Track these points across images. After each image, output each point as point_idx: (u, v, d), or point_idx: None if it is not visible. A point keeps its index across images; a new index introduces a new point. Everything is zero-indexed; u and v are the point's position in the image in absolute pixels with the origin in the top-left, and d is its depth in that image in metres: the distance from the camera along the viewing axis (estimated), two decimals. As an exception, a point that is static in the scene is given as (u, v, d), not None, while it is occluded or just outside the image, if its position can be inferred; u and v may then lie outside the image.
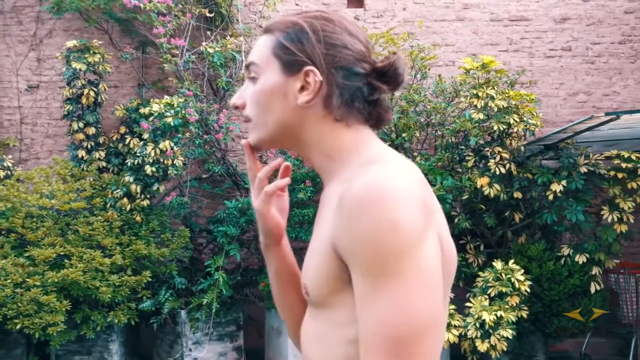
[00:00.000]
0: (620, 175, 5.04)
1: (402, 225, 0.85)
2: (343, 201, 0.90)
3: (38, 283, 4.69)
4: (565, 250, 5.13)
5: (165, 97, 5.23)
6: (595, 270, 5.05)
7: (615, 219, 5.01)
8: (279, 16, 1.10)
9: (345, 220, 0.89)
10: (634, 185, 5.04)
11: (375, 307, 0.85)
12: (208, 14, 5.53)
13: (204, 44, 5.36)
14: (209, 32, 5.65)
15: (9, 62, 6.40)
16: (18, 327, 4.60)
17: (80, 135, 5.81)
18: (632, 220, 5.07)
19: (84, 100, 5.73)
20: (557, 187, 4.94)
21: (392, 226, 0.85)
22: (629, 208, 5.02)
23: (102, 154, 5.90)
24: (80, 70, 5.62)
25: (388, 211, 0.85)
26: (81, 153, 5.82)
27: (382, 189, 0.87)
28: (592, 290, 5.04)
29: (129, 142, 5.79)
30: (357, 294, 0.88)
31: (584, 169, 5.02)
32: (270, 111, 1.05)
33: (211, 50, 5.28)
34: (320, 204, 1.08)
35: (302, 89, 1.02)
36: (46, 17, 6.35)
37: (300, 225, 5.27)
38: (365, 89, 1.02)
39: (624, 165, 5.01)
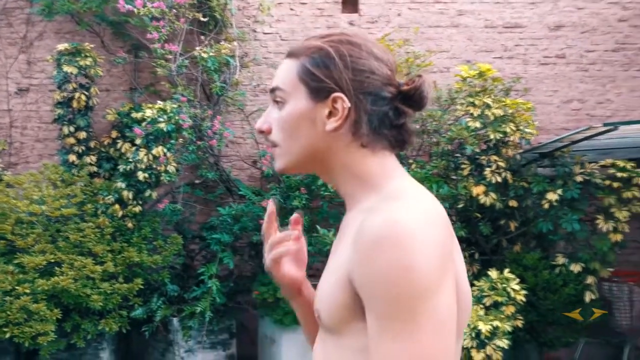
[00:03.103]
0: (615, 185, 5.02)
1: (417, 270, 0.85)
2: (360, 235, 0.90)
3: (28, 291, 4.61)
4: (561, 260, 5.11)
5: (159, 102, 5.16)
6: (590, 280, 5.04)
7: (611, 229, 5.00)
8: (301, 41, 1.09)
9: (360, 257, 0.89)
10: (629, 194, 5.03)
11: (387, 348, 0.86)
12: (202, 19, 5.47)
13: (197, 48, 5.30)
14: (202, 37, 5.58)
15: (-2, 64, 6.30)
16: (7, 335, 4.51)
17: (71, 140, 5.72)
18: (627, 230, 5.06)
19: (74, 104, 5.65)
20: (552, 196, 4.92)
21: (406, 270, 0.85)
22: (624, 217, 5.00)
23: (94, 158, 5.82)
24: (72, 73, 5.55)
25: (404, 254, 0.85)
26: (72, 157, 5.72)
27: (400, 229, 0.87)
28: (587, 299, 5.02)
29: (121, 147, 5.72)
30: (370, 331, 0.89)
31: (579, 178, 5.01)
32: (297, 137, 1.05)
33: (205, 55, 5.21)
34: (340, 227, 1.09)
35: (330, 114, 1.02)
36: (37, 20, 6.25)
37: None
38: (391, 114, 1.02)
39: (619, 174, 4.99)
